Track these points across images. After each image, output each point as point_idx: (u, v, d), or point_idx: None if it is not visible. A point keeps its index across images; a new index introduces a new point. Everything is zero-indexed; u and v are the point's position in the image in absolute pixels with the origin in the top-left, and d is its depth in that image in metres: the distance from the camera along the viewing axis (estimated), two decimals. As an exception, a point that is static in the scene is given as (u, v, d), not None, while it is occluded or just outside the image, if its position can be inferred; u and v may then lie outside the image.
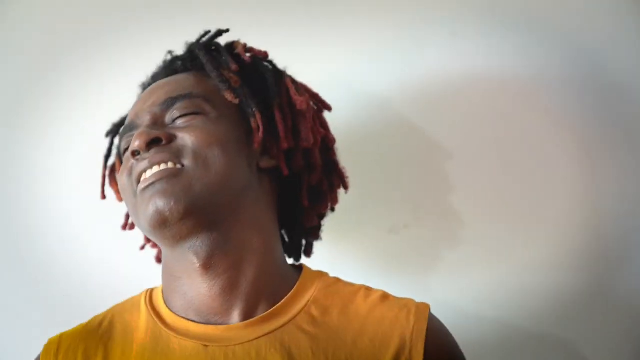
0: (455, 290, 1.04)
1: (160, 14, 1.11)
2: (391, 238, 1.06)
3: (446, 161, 1.07)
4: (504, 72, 1.06)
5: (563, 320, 1.02)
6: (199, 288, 0.78)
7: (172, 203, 0.74)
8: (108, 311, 0.88)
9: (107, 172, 0.95)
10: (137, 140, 0.77)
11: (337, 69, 1.09)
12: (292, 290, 0.82)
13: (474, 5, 1.08)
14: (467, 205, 1.06)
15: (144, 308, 0.84)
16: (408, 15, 1.09)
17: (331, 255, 1.02)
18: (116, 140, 0.94)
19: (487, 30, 1.07)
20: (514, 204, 1.06)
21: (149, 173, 0.77)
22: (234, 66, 0.83)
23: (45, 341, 0.84)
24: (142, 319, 0.83)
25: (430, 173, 1.08)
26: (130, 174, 0.80)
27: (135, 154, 0.79)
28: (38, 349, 0.85)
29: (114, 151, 0.94)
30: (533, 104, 1.06)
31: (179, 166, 0.77)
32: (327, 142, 0.91)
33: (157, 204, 0.75)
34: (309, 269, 0.87)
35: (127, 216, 0.97)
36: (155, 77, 0.91)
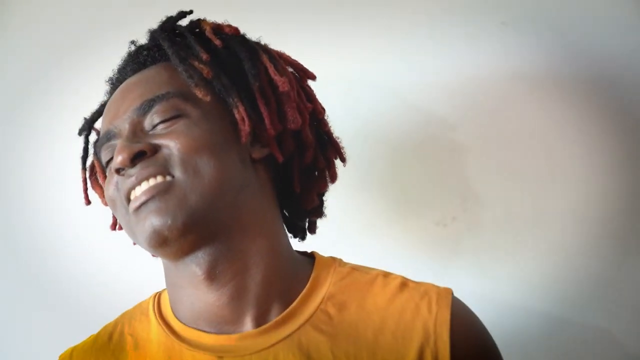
0: (504, 282, 1.00)
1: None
2: (438, 230, 1.02)
3: (495, 153, 1.03)
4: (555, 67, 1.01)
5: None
6: (205, 298, 0.74)
7: (170, 221, 0.69)
8: (117, 320, 0.84)
9: (88, 175, 0.88)
10: (119, 156, 0.71)
11: (384, 60, 1.06)
12: (306, 288, 0.77)
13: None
14: (516, 197, 1.02)
15: (153, 317, 0.80)
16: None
17: (376, 247, 1.00)
18: (91, 138, 0.87)
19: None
20: (564, 195, 1.02)
21: (138, 190, 0.71)
22: (204, 56, 0.74)
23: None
24: (153, 330, 0.79)
25: (479, 165, 1.04)
26: (117, 188, 0.74)
27: (119, 170, 0.73)
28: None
29: (91, 150, 0.87)
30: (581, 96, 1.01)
31: (168, 178, 0.71)
32: (316, 115, 0.84)
33: (154, 223, 0.69)
34: (321, 258, 0.82)
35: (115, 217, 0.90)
36: (122, 71, 0.83)
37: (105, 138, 0.77)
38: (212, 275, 0.73)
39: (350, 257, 0.84)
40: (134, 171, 0.71)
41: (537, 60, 1.02)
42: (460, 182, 1.04)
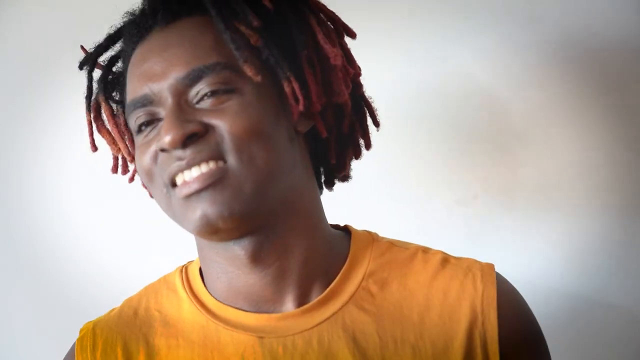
0: (523, 263, 0.99)
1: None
2: (459, 209, 1.01)
3: (518, 132, 1.02)
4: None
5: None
6: (246, 278, 0.71)
7: (226, 213, 0.64)
8: (141, 295, 0.80)
9: (93, 116, 0.78)
10: (168, 136, 0.64)
11: (415, 41, 1.06)
12: (346, 264, 0.74)
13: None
14: (538, 178, 1.01)
15: (183, 294, 0.77)
16: None
17: (396, 225, 0.96)
18: (95, 75, 0.78)
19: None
20: (582, 177, 1.01)
21: (187, 175, 0.65)
22: (255, 22, 0.66)
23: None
24: (184, 307, 0.76)
25: (501, 144, 1.03)
26: (156, 162, 0.68)
27: (164, 150, 0.66)
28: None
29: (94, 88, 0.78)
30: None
31: (221, 164, 0.65)
32: (355, 79, 0.77)
33: (208, 213, 0.64)
34: (357, 232, 0.79)
35: (116, 159, 0.82)
36: (151, 16, 0.72)
37: (140, 102, 0.69)
38: (256, 258, 0.69)
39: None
40: (184, 154, 0.65)
41: (564, 43, 1.01)
42: (482, 161, 1.03)
